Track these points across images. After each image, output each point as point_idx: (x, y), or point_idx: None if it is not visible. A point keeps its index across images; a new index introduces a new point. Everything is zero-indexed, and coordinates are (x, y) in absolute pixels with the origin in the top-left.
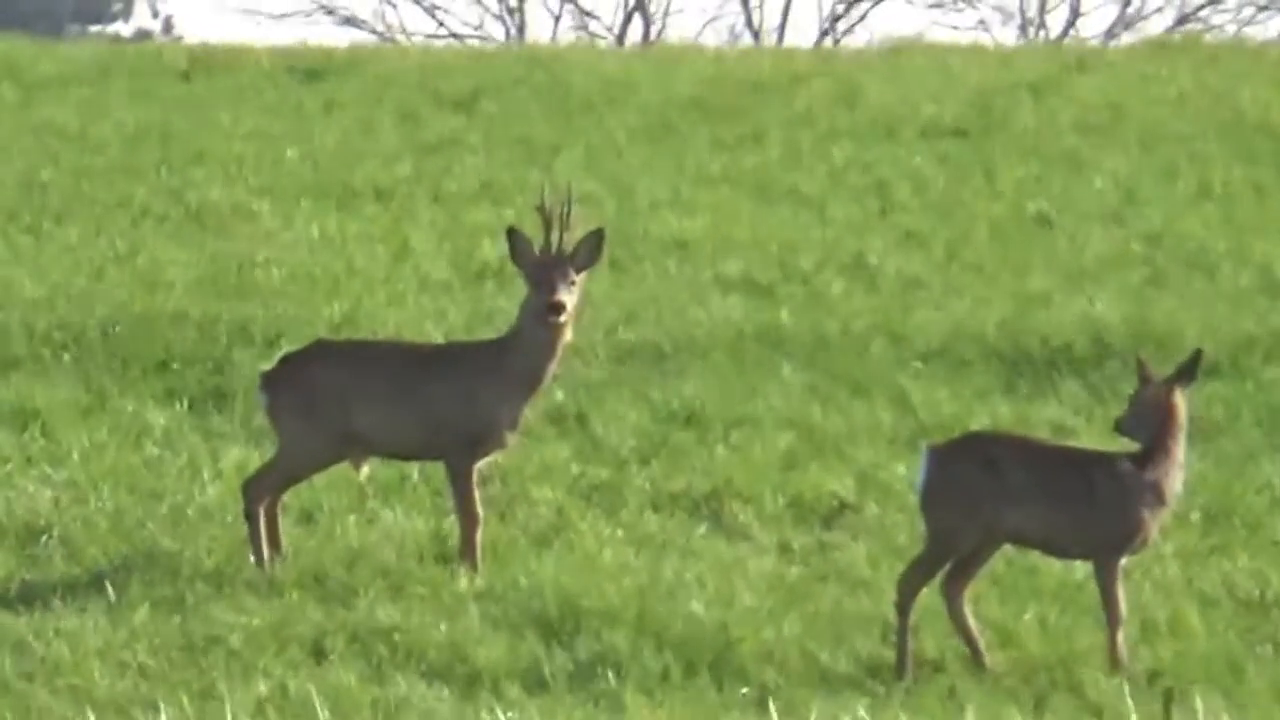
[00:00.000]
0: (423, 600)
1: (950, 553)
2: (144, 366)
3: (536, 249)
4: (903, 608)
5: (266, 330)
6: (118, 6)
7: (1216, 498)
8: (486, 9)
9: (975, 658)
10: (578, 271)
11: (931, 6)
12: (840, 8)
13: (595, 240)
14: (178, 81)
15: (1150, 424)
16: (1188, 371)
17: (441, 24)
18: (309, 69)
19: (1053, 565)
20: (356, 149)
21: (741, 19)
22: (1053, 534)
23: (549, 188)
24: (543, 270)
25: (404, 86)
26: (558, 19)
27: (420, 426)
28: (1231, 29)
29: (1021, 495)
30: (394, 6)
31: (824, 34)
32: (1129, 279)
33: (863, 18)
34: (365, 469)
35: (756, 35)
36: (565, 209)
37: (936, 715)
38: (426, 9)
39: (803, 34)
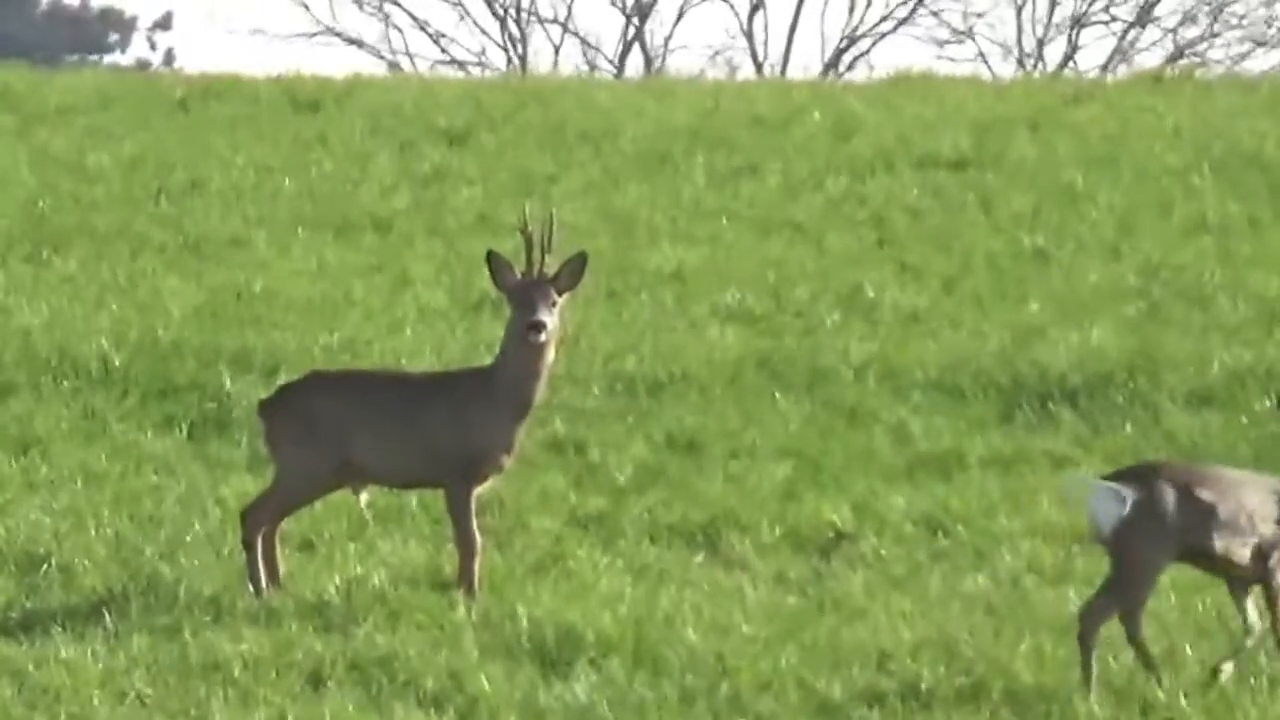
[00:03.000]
0: (421, 629)
1: (1147, 586)
2: (143, 394)
3: (518, 272)
4: (1086, 639)
5: (265, 359)
6: (114, 38)
7: None
8: (489, 37)
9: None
10: (559, 294)
11: (941, 43)
12: (844, 42)
13: (577, 264)
14: (175, 111)
15: None
16: None
17: (445, 51)
18: (306, 99)
19: (1046, 596)
20: (353, 180)
21: (739, 53)
22: (1240, 560)
23: (530, 211)
24: (523, 291)
25: (401, 118)
26: (558, 49)
27: (416, 454)
28: (1225, 64)
29: (1221, 523)
30: (400, 31)
31: (828, 68)
32: (1125, 311)
33: (865, 52)
34: (365, 495)
35: (760, 68)
36: (547, 232)
37: None
38: (432, 36)
39: (805, 69)
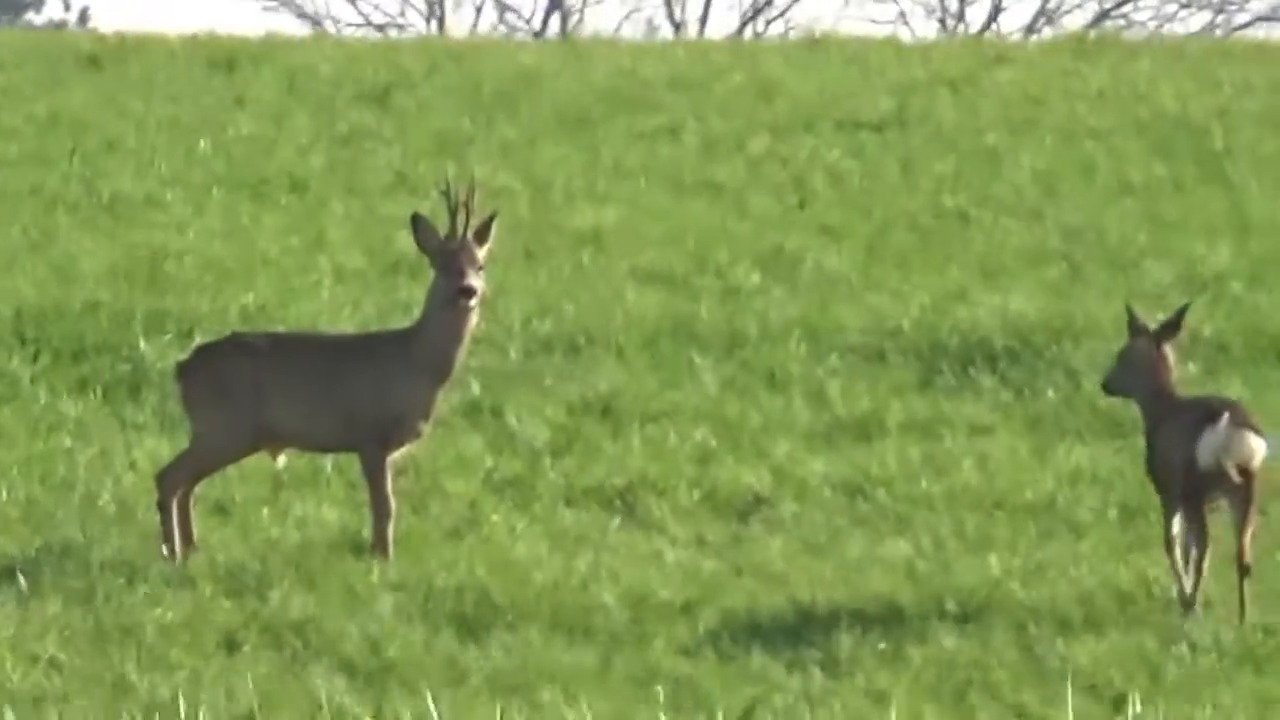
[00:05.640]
0: (336, 593)
1: None
2: (56, 356)
3: (442, 234)
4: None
5: (180, 321)
6: None
7: (1133, 494)
8: (409, 3)
9: None
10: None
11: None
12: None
13: (488, 224)
14: (89, 70)
15: (1143, 377)
16: (1174, 325)
17: (361, 14)
18: (222, 59)
19: (968, 562)
20: (269, 140)
21: (659, 12)
22: None
23: (452, 173)
24: (451, 256)
25: (317, 78)
26: (479, 10)
27: (333, 418)
28: (1151, 25)
29: None
30: None
31: (744, 24)
32: (1047, 274)
33: (783, 12)
34: (282, 458)
35: (678, 28)
36: (470, 194)
37: (854, 711)
38: None
39: (724, 27)
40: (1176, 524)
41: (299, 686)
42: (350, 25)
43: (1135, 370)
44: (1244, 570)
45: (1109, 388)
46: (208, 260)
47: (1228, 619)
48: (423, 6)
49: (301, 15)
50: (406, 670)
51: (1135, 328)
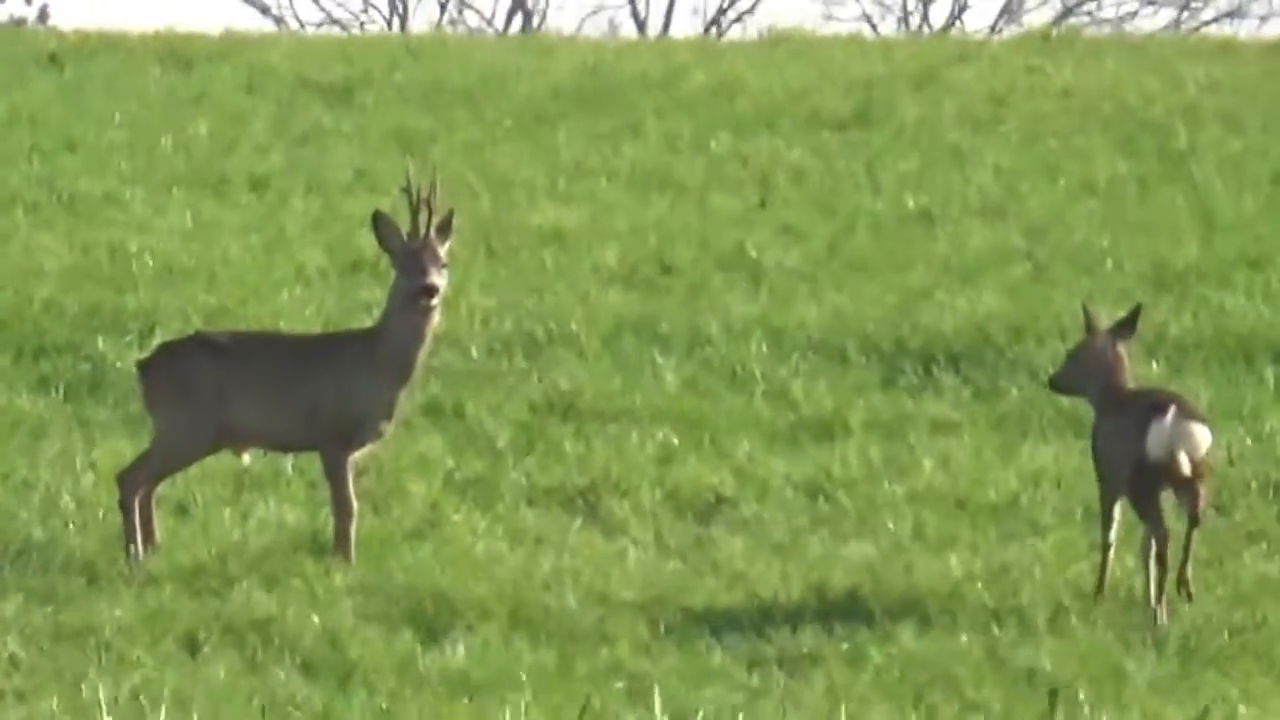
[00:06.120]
0: (297, 593)
1: None
2: (16, 355)
3: (404, 233)
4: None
5: (141, 320)
6: None
7: (1096, 495)
8: (371, 2)
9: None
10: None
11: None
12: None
13: (448, 221)
14: (49, 68)
15: (1097, 375)
16: (1128, 324)
17: (324, 10)
18: (181, 56)
19: (929, 562)
20: (230, 138)
21: (621, 11)
22: None
23: (413, 170)
24: (413, 255)
25: (278, 75)
26: (443, 7)
27: (295, 417)
28: (1115, 22)
29: None
30: None
31: (711, 24)
32: (1011, 274)
33: (743, 14)
34: (248, 456)
35: (641, 26)
36: (432, 192)
37: (815, 710)
38: None
39: (687, 27)
40: (1116, 513)
41: (259, 686)
42: (313, 25)
43: (1088, 368)
44: (1194, 521)
45: (1057, 385)
46: (168, 259)
47: (1193, 619)
48: (384, 5)
49: (265, 12)
50: (367, 670)
51: (1090, 327)
